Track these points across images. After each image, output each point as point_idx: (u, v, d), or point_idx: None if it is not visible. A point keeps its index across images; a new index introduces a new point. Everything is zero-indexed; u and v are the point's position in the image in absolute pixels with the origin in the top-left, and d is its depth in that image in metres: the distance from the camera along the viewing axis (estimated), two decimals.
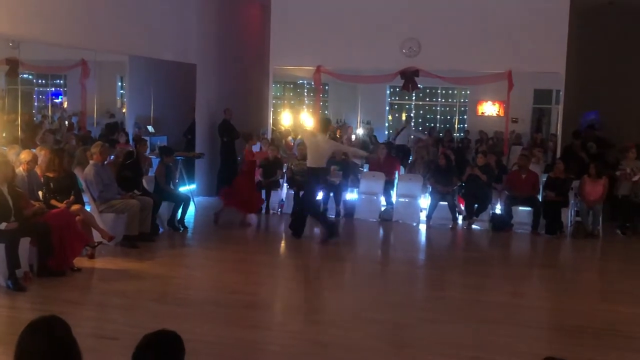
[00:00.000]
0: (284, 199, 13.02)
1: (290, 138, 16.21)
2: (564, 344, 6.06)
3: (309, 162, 10.64)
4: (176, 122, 15.34)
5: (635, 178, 11.59)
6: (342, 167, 12.81)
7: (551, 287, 8.59)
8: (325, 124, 11.24)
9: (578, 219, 11.85)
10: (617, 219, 11.94)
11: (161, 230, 10.71)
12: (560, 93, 13.67)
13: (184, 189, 12.57)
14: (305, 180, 11.20)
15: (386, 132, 22.92)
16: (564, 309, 7.32)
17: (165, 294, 7.42)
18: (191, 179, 13.81)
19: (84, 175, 9.49)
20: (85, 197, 9.44)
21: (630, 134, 13.18)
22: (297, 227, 10.72)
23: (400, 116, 25.10)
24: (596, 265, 10.49)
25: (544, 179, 12.10)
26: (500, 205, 12.21)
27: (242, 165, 12.41)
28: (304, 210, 10.78)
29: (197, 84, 14.28)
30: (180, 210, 10.94)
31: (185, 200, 11.07)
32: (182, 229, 10.94)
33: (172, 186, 11.21)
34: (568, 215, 11.70)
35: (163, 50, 13.29)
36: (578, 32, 13.81)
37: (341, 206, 12.68)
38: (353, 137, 17.40)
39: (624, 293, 8.15)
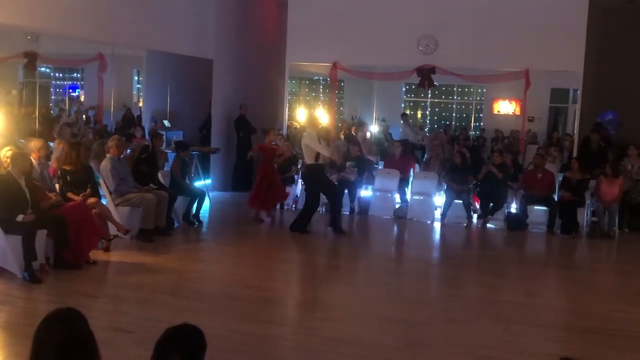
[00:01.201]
0: (298, 195, 13.03)
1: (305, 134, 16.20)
2: (579, 345, 6.02)
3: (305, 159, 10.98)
4: (192, 117, 15.41)
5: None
6: (357, 163, 12.80)
7: (566, 287, 8.54)
8: (314, 121, 11.30)
9: (594, 219, 11.78)
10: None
11: (176, 224, 10.76)
12: (578, 92, 13.57)
13: (199, 183, 12.62)
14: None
15: (400, 130, 22.85)
16: (580, 309, 7.28)
17: (180, 288, 7.46)
18: (206, 174, 13.86)
19: (101, 168, 9.55)
20: (102, 191, 9.51)
21: None
22: (295, 223, 10.85)
23: (416, 114, 25.06)
24: (612, 265, 10.41)
25: (560, 179, 12.03)
26: (516, 204, 12.15)
27: (259, 162, 12.05)
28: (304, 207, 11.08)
29: (214, 79, 14.32)
30: (195, 205, 10.99)
31: (200, 195, 11.11)
32: (197, 223, 10.98)
33: (187, 181, 11.26)
34: (584, 215, 11.62)
35: (180, 45, 13.34)
36: (596, 31, 13.69)
37: (356, 203, 12.68)
38: (368, 134, 17.37)
39: (630, 293, 8.09)
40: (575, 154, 13.08)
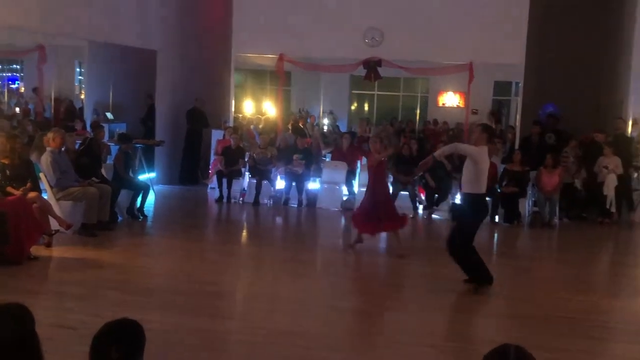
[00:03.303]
0: (245, 188, 12.96)
1: (252, 126, 16.13)
2: (524, 332, 6.15)
3: None
4: (136, 109, 15.14)
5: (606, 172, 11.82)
6: (304, 156, 12.81)
7: (510, 276, 8.71)
8: None
9: (535, 209, 12.07)
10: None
11: (120, 218, 10.57)
12: (520, 85, 13.85)
13: (143, 177, 12.42)
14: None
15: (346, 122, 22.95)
16: (524, 297, 7.43)
17: (125, 283, 7.33)
18: (151, 167, 13.65)
19: (41, 161, 9.31)
20: (42, 185, 9.27)
21: (585, 127, 13.42)
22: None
23: (363, 106, 25.20)
24: (554, 254, 10.68)
25: (502, 170, 12.27)
26: (460, 195, 12.33)
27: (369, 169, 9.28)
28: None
29: (158, 70, 14.08)
30: (139, 199, 10.82)
31: (144, 188, 10.94)
32: (141, 217, 10.81)
33: (131, 174, 11.07)
34: (526, 205, 11.89)
35: (123, 36, 13.07)
36: (538, 25, 13.98)
37: (303, 195, 12.68)
38: (315, 127, 17.41)
39: (580, 281, 8.33)
40: (517, 146, 13.35)
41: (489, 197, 11.82)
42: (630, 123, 14.04)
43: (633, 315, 7.01)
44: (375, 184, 9.12)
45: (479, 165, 7.26)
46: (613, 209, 11.95)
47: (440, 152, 7.64)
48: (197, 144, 14.55)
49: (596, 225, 11.86)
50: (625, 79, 13.11)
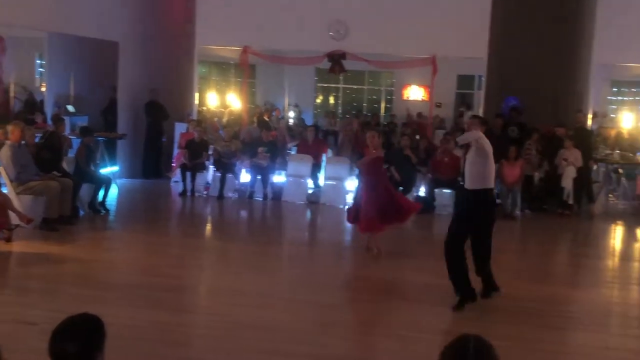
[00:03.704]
0: (210, 182, 12.88)
1: (216, 119, 16.04)
2: (488, 322, 6.22)
3: None
4: (98, 102, 14.90)
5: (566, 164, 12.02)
6: (269, 149, 12.77)
7: (471, 267, 8.81)
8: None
9: (498, 201, 12.21)
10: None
11: (82, 213, 10.42)
12: (482, 78, 13.99)
13: (105, 170, 12.26)
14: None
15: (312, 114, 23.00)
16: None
17: (87, 278, 7.24)
18: (113, 161, 13.48)
19: (0, 155, 9.12)
20: (2, 179, 9.09)
21: (546, 120, 13.59)
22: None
23: (328, 99, 25.23)
24: (517, 245, 10.82)
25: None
26: (424, 188, 12.46)
27: (362, 167, 8.94)
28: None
29: (120, 62, 13.88)
30: (101, 193, 10.68)
31: (106, 182, 10.80)
32: (103, 211, 10.67)
33: (93, 167, 10.91)
34: None
35: (83, 27, 12.84)
36: (501, 18, 14.10)
37: (268, 189, 12.65)
38: (281, 120, 17.38)
39: (541, 272, 8.47)
40: None
41: (451, 189, 12.00)
42: (589, 116, 14.31)
43: (592, 305, 7.16)
44: (377, 184, 8.53)
45: (489, 157, 6.76)
46: (571, 201, 12.17)
47: (463, 138, 6.96)
48: (158, 137, 14.32)
49: (556, 217, 12.07)
50: (585, 72, 13.33)
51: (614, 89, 21.02)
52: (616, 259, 9.90)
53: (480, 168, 6.71)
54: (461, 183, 6.89)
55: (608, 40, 13.39)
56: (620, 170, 13.72)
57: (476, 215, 6.76)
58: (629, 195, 13.70)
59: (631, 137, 17.26)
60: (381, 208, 8.44)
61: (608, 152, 14.08)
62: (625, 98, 21.05)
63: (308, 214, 12.22)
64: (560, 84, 12.91)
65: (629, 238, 11.47)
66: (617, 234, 11.64)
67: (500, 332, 5.70)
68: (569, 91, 13.07)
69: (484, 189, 6.72)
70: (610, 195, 13.80)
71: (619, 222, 12.15)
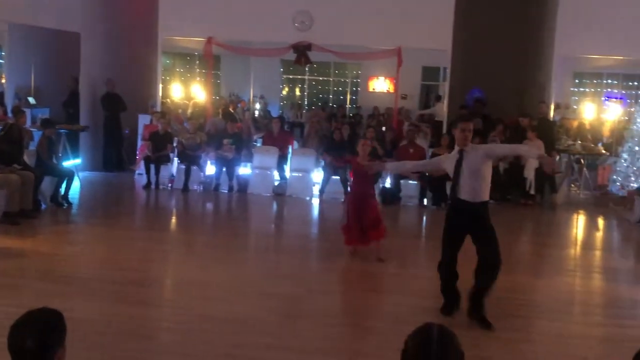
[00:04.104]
0: (174, 174, 12.76)
1: (180, 111, 15.88)
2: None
3: None
4: (59, 94, 14.65)
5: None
6: (235, 141, 12.70)
7: (435, 257, 8.86)
8: None
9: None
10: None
11: (44, 206, 10.25)
12: (447, 70, 14.08)
13: (67, 163, 12.06)
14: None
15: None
16: None
17: (49, 272, 7.12)
18: (75, 153, 13.27)
19: None
20: None
21: (510, 111, 13.75)
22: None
23: (295, 91, 25.17)
24: None
25: (430, 154, 12.48)
26: (390, 179, 12.51)
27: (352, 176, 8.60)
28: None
29: (82, 54, 13.64)
30: (63, 186, 10.50)
31: (69, 175, 10.62)
32: (65, 205, 10.50)
33: (54, 160, 10.73)
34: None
35: (44, 18, 12.59)
36: (465, 10, 14.20)
37: (234, 181, 12.58)
38: (246, 112, 17.29)
39: (504, 261, 8.53)
40: (444, 130, 13.60)
41: (417, 180, 12.07)
42: (552, 108, 14.50)
43: (554, 293, 7.27)
44: (365, 196, 8.04)
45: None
46: (532, 191, 12.34)
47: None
48: (117, 129, 14.07)
49: (519, 207, 12.22)
50: (548, 64, 13.50)
51: (576, 81, 21.34)
52: (578, 248, 10.06)
53: (488, 178, 6.32)
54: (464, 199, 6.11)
55: (570, 32, 13.57)
56: (582, 161, 13.96)
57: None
58: (590, 185, 13.96)
59: (593, 128, 17.56)
60: (359, 222, 7.92)
61: (570, 142, 14.30)
62: (587, 89, 21.39)
63: (274, 206, 12.18)
64: (523, 76, 13.06)
65: (591, 227, 11.67)
66: (579, 224, 11.83)
67: (464, 321, 5.76)
68: (532, 83, 13.23)
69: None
70: (572, 185, 14.04)
71: (581, 211, 12.37)
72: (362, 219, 7.93)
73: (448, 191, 11.73)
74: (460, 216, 6.17)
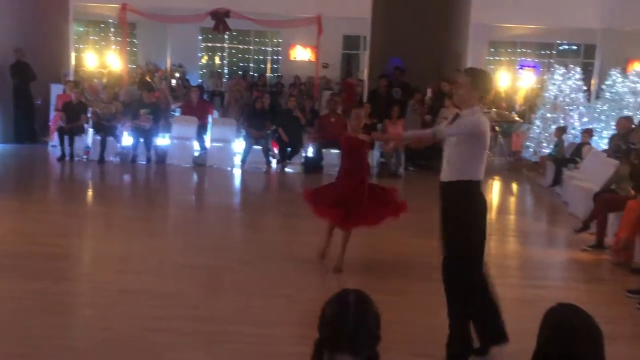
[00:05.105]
0: (90, 146, 12.36)
1: (96, 80, 15.36)
2: (376, 278, 6.37)
3: None
4: None
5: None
6: (152, 111, 12.38)
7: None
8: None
9: (383, 160, 12.50)
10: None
11: None
12: (367, 39, 14.12)
13: None
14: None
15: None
16: (376, 245, 7.64)
17: None
18: None
19: None
20: None
21: (429, 79, 13.96)
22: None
23: (214, 59, 24.74)
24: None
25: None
26: (312, 148, 12.53)
27: (343, 149, 7.10)
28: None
29: None
30: None
31: None
32: None
33: None
34: (374, 157, 12.26)
35: None
36: None
37: (152, 152, 12.30)
38: (163, 81, 16.88)
39: (421, 227, 8.71)
40: (365, 99, 13.68)
41: (338, 149, 12.13)
42: None
43: None
44: (353, 174, 6.79)
45: (482, 139, 4.80)
46: None
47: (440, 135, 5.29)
48: (27, 99, 13.51)
49: (439, 174, 12.45)
50: (464, 32, 13.73)
51: (492, 50, 21.84)
52: (493, 213, 10.36)
53: (464, 155, 5.08)
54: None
55: (486, 2, 13.83)
56: (497, 128, 14.35)
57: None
58: (505, 151, 14.40)
59: (508, 96, 18.07)
60: (343, 200, 6.73)
61: (486, 110, 14.65)
62: (502, 58, 21.93)
63: (194, 177, 12.00)
64: (440, 45, 13.24)
65: (506, 192, 12.06)
66: (494, 189, 12.19)
67: (380, 286, 5.83)
68: (449, 51, 13.44)
69: (470, 181, 5.06)
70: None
71: (496, 177, 12.75)
72: (347, 200, 6.71)
73: (369, 160, 11.90)
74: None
